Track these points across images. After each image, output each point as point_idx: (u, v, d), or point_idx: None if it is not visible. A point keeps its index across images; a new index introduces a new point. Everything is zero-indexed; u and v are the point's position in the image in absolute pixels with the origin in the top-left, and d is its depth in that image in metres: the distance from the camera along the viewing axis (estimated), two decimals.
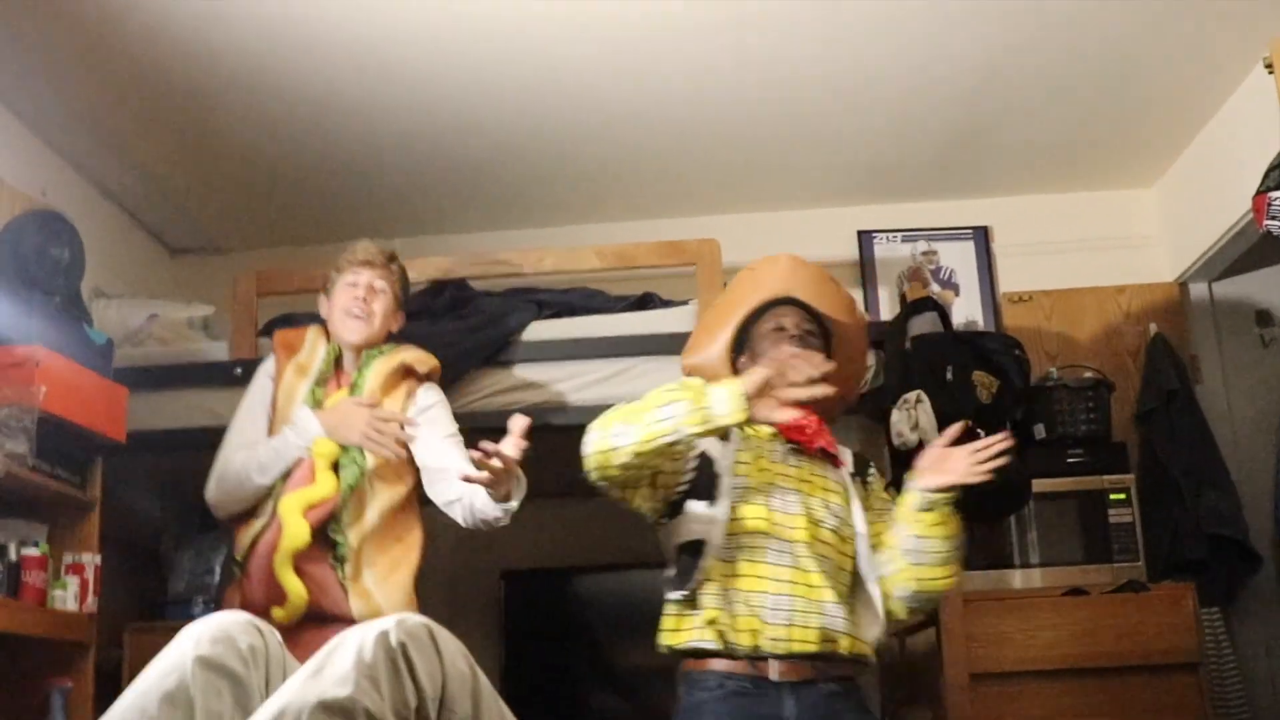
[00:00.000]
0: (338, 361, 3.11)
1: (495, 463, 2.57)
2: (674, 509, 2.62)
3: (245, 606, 2.70)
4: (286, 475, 2.95)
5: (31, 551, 3.04)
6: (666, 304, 3.79)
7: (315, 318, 3.74)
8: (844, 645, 2.52)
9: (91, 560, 3.23)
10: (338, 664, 1.53)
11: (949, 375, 3.47)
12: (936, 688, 3.57)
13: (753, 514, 2.57)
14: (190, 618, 3.88)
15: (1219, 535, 4.04)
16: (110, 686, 3.42)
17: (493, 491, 2.69)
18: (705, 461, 2.63)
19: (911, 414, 3.33)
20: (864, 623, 2.58)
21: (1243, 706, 4.04)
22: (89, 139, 4.04)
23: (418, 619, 1.62)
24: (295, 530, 2.86)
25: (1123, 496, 3.99)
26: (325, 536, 2.90)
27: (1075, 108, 4.15)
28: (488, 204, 4.66)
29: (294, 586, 2.84)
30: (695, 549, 2.54)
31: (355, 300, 3.06)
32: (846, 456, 2.77)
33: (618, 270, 3.90)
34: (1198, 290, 4.64)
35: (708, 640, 2.50)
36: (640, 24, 3.56)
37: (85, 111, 3.87)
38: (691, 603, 2.54)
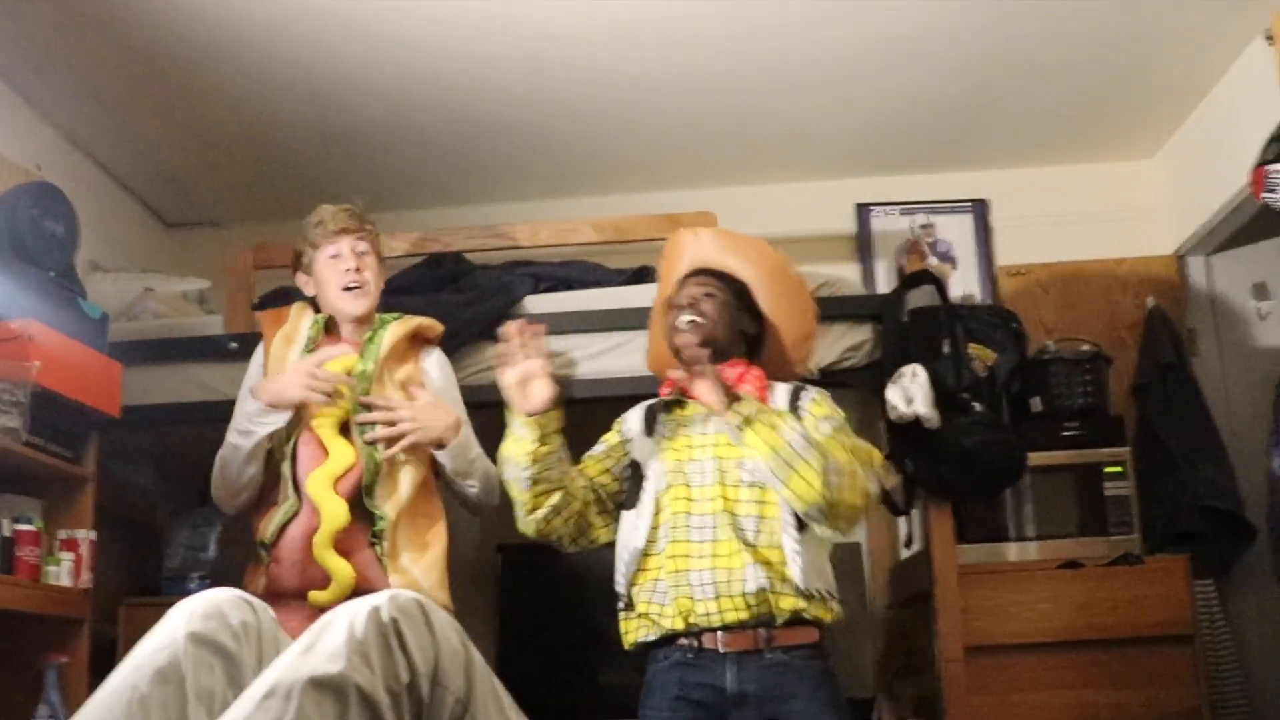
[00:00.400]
0: (327, 328, 3.06)
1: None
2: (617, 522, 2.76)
3: (273, 592, 2.80)
4: (294, 455, 2.90)
5: (26, 527, 3.04)
6: None
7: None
8: (781, 605, 2.53)
9: (86, 536, 3.24)
10: (329, 640, 1.52)
11: (945, 348, 3.46)
12: (931, 660, 3.58)
13: (674, 496, 2.64)
14: (185, 593, 3.88)
15: (1214, 508, 4.05)
16: (105, 662, 3.41)
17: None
18: (634, 468, 2.75)
19: (908, 387, 3.33)
20: (809, 572, 2.55)
21: (1237, 677, 4.06)
22: (83, 112, 4.02)
23: (410, 595, 1.61)
24: (334, 511, 2.81)
25: (1119, 469, 3.99)
26: (363, 512, 2.84)
27: (1074, 80, 4.13)
28: (483, 176, 4.64)
29: (340, 568, 2.79)
30: (625, 554, 2.67)
31: (348, 274, 2.99)
32: (780, 396, 2.74)
33: (614, 243, 3.88)
34: (1195, 263, 4.64)
35: (647, 634, 2.62)
36: None
37: (80, 84, 3.85)
38: (630, 604, 2.67)
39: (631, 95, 4.14)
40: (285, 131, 4.27)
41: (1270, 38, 2.88)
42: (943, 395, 3.37)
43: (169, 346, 3.65)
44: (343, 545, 2.80)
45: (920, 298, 3.59)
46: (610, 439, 2.85)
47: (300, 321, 3.06)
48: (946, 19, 3.73)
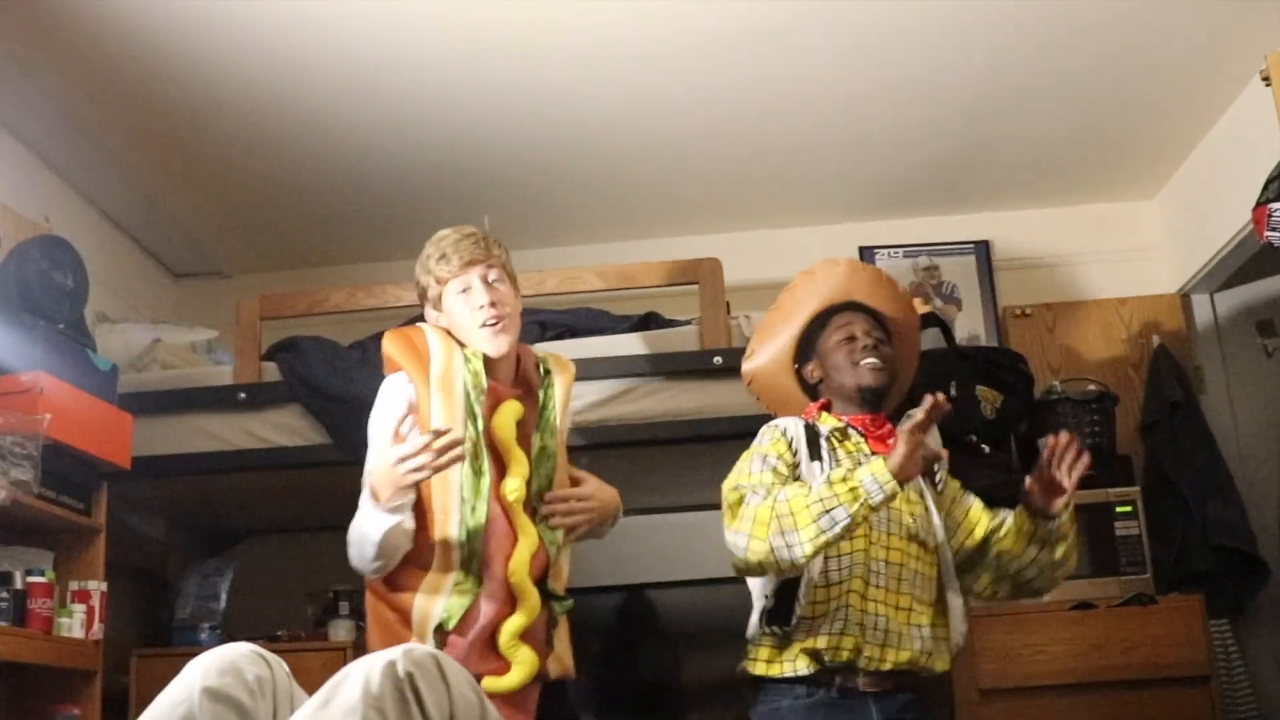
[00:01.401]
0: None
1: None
2: None
3: None
4: (468, 534, 2.51)
5: (38, 579, 3.04)
6: (670, 323, 3.79)
7: (316, 341, 3.75)
8: (929, 663, 2.58)
9: (97, 587, 3.24)
10: (345, 695, 1.53)
11: (953, 391, 3.47)
12: (948, 703, 3.56)
13: (858, 534, 2.54)
14: (197, 643, 3.92)
15: (1226, 546, 4.04)
16: (117, 713, 3.44)
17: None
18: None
19: None
20: (950, 633, 2.62)
21: (1255, 718, 4.03)
22: (92, 164, 4.05)
23: (425, 649, 1.61)
24: (535, 602, 2.53)
25: (1129, 509, 3.98)
26: (544, 594, 2.57)
27: (1074, 122, 4.16)
28: (491, 224, 4.65)
29: (528, 659, 2.51)
30: (794, 582, 2.56)
31: (483, 310, 2.61)
32: None
33: (620, 290, 3.90)
34: (1200, 301, 4.64)
35: (803, 669, 2.54)
36: (640, 44, 3.57)
37: (88, 137, 3.88)
38: (788, 635, 2.56)
39: (636, 143, 4.17)
40: (292, 182, 4.30)
41: (1267, 78, 2.90)
42: (951, 438, 3.36)
43: (178, 397, 3.67)
44: (526, 633, 2.54)
45: (926, 340, 3.59)
46: (782, 453, 2.65)
47: (452, 359, 2.61)
48: (948, 63, 3.76)
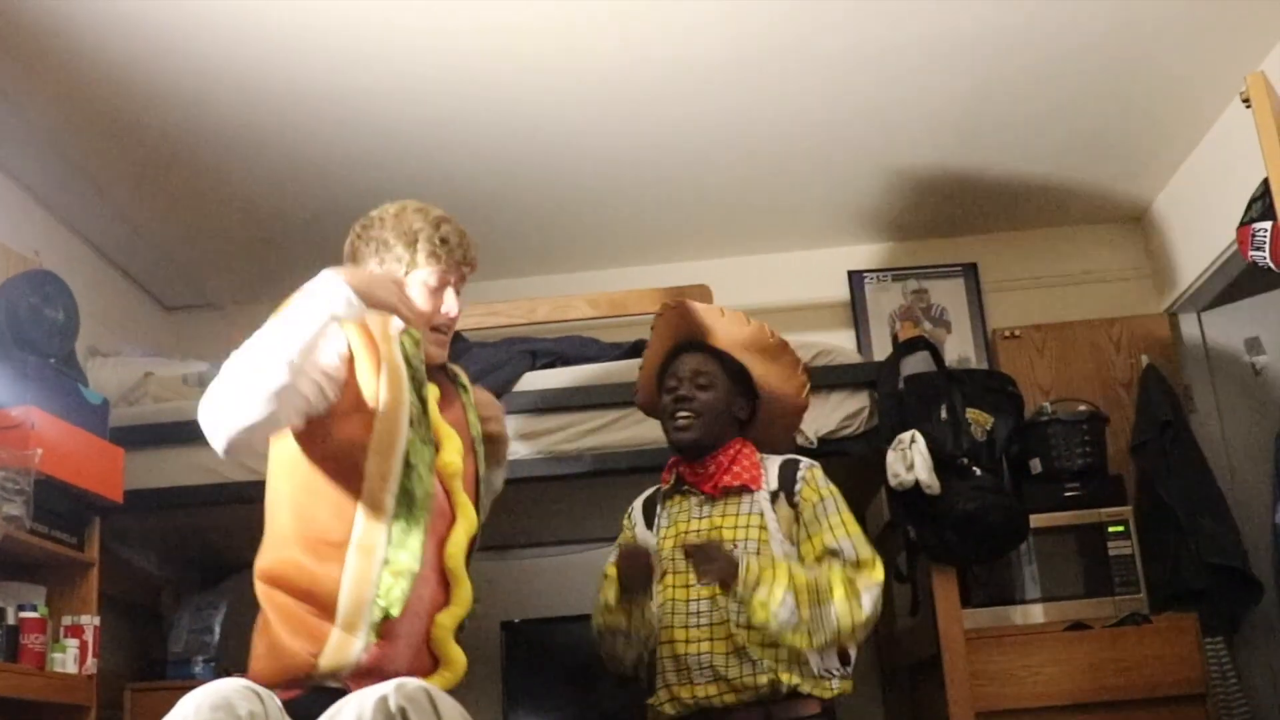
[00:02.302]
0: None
1: None
2: None
3: (366, 672, 2.14)
4: (410, 504, 2.21)
5: (31, 614, 3.04)
6: None
7: None
8: (786, 682, 2.58)
9: (90, 622, 3.23)
10: None
11: (943, 414, 3.48)
12: None
13: (673, 583, 2.70)
14: (190, 677, 3.91)
15: (1219, 564, 4.04)
16: None
17: None
18: None
19: (907, 454, 3.34)
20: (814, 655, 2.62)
21: None
22: (81, 198, 4.06)
23: (416, 683, 1.61)
24: (466, 597, 2.30)
25: (1121, 529, 3.99)
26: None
27: (1059, 144, 4.19)
28: (480, 254, 4.66)
29: (459, 659, 2.27)
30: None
31: (444, 318, 2.47)
32: (770, 474, 2.78)
33: (610, 317, 3.91)
34: (1188, 321, 4.66)
35: (666, 714, 2.68)
36: (628, 72, 3.60)
37: (77, 171, 3.89)
38: (651, 687, 2.74)
39: (624, 171, 4.19)
40: (283, 214, 4.31)
41: (1247, 100, 2.92)
42: (942, 461, 3.38)
43: (170, 430, 3.65)
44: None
45: (916, 364, 3.61)
46: (625, 539, 2.92)
47: (389, 322, 2.35)
48: (934, 88, 3.78)
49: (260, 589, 2.23)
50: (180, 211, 4.26)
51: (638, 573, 2.65)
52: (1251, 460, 4.42)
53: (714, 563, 2.53)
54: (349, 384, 2.23)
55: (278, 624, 2.17)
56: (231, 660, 4.05)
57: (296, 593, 2.16)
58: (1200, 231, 4.25)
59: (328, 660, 2.13)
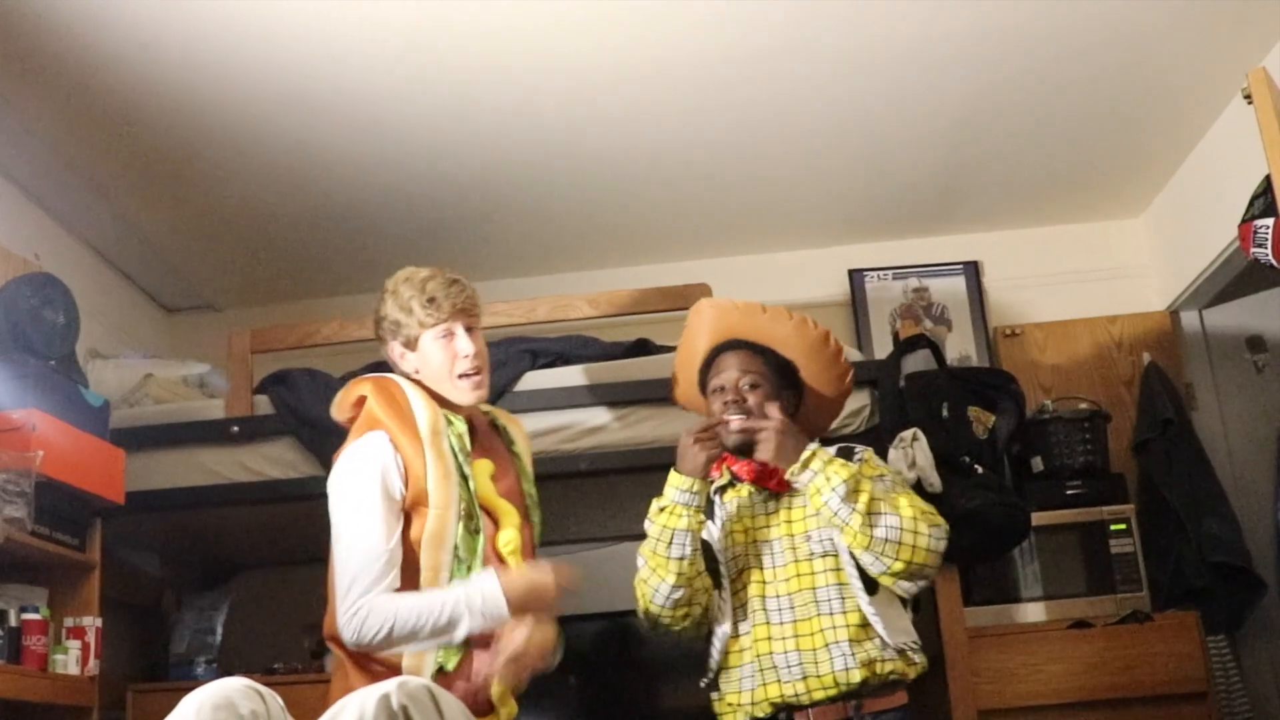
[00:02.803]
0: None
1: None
2: None
3: None
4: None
5: (32, 616, 3.04)
6: (661, 349, 3.80)
7: (308, 373, 3.75)
8: (871, 674, 2.58)
9: (92, 623, 3.23)
10: None
11: (944, 412, 3.47)
12: None
13: (750, 580, 2.70)
14: (193, 678, 3.91)
15: (1221, 562, 4.04)
16: None
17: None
18: (708, 551, 2.75)
19: (909, 452, 3.34)
20: (890, 630, 2.62)
21: None
22: (81, 200, 4.06)
23: (419, 681, 1.61)
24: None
25: (1123, 527, 3.99)
26: None
27: (1060, 142, 4.19)
28: (478, 255, 4.67)
29: (511, 708, 2.61)
30: (709, 638, 2.73)
31: (466, 360, 2.64)
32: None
33: (611, 317, 3.91)
34: (1189, 318, 4.66)
35: (749, 715, 2.64)
36: (625, 70, 3.59)
37: (77, 173, 3.89)
38: (718, 689, 2.71)
39: (624, 170, 4.18)
40: (282, 216, 4.31)
41: (1248, 96, 2.92)
42: (944, 459, 3.37)
43: (171, 431, 3.66)
44: None
45: (917, 362, 3.61)
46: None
47: (438, 419, 2.60)
48: (934, 86, 3.78)
49: (333, 647, 2.58)
50: (180, 214, 4.26)
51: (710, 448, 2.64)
52: (1253, 458, 4.42)
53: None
54: (408, 487, 2.52)
55: (354, 673, 2.50)
56: (234, 661, 4.05)
57: (364, 657, 2.50)
58: (1202, 228, 4.25)
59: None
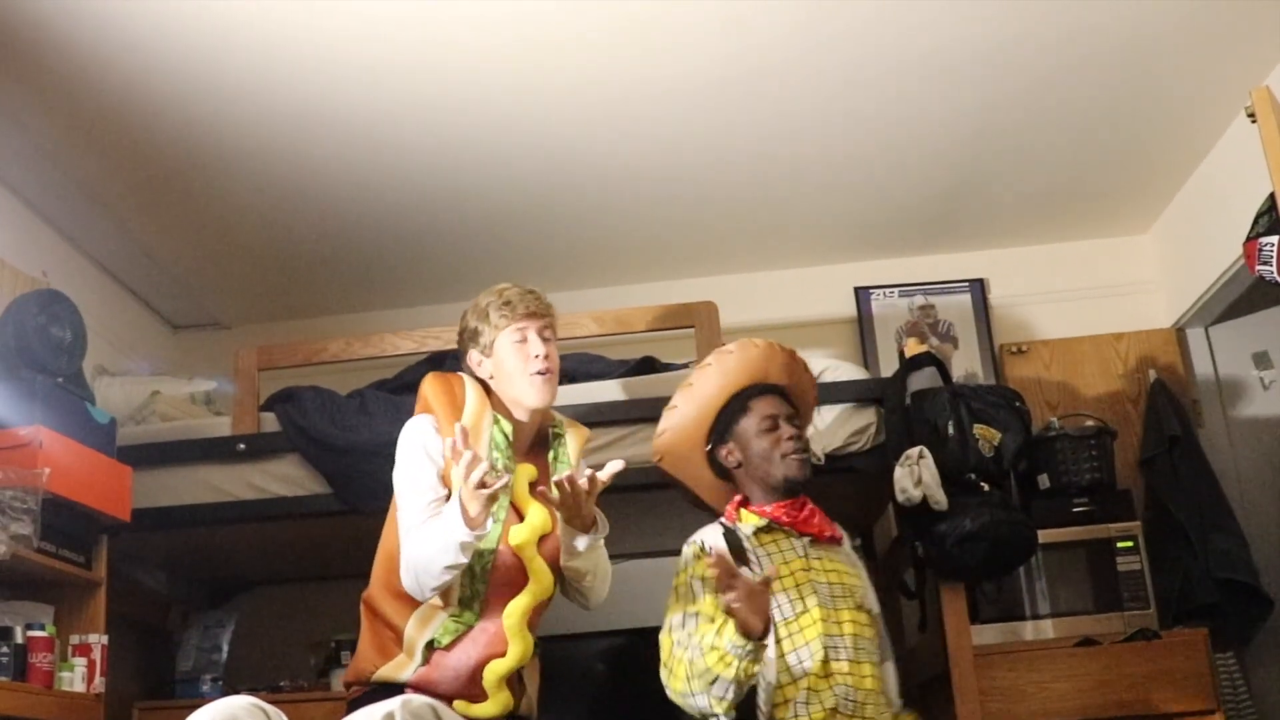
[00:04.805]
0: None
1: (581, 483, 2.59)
2: None
3: (414, 689, 2.60)
4: (488, 568, 2.69)
5: (39, 633, 3.04)
6: (667, 367, 3.80)
7: (315, 391, 3.76)
8: None
9: (99, 640, 3.23)
10: None
11: (950, 430, 3.46)
12: None
13: (810, 620, 2.67)
14: (199, 695, 3.91)
15: (1229, 579, 4.03)
16: None
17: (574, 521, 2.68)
18: None
19: (914, 470, 3.33)
20: (892, 695, 2.75)
21: None
22: (89, 218, 4.07)
23: (422, 699, 1.62)
24: (523, 650, 2.71)
25: (1130, 544, 3.98)
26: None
27: (1065, 159, 4.19)
28: (485, 272, 4.65)
29: (504, 700, 2.70)
30: (761, 687, 2.64)
31: (538, 360, 2.76)
32: (837, 525, 2.90)
33: (616, 335, 3.91)
34: (1195, 335, 4.66)
35: None
36: (632, 89, 3.61)
37: (84, 190, 3.91)
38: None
39: (630, 189, 4.20)
40: (290, 234, 4.33)
41: (1252, 114, 2.93)
42: (950, 477, 3.37)
43: (177, 449, 3.67)
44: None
45: (922, 380, 3.60)
46: (710, 573, 2.72)
47: (482, 416, 2.75)
48: (940, 103, 3.79)
49: (362, 608, 2.79)
50: (188, 231, 4.28)
51: (761, 609, 2.46)
52: (1260, 474, 4.41)
53: None
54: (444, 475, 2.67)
55: (365, 637, 2.77)
56: (239, 678, 4.05)
57: (381, 620, 2.72)
58: (1207, 246, 4.25)
59: (384, 673, 2.66)
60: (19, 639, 2.99)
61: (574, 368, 3.76)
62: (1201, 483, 4.25)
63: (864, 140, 3.99)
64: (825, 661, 2.63)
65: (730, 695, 2.48)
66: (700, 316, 3.72)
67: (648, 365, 3.83)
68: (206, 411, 4.14)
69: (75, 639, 3.20)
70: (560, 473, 2.76)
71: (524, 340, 2.77)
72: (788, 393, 2.91)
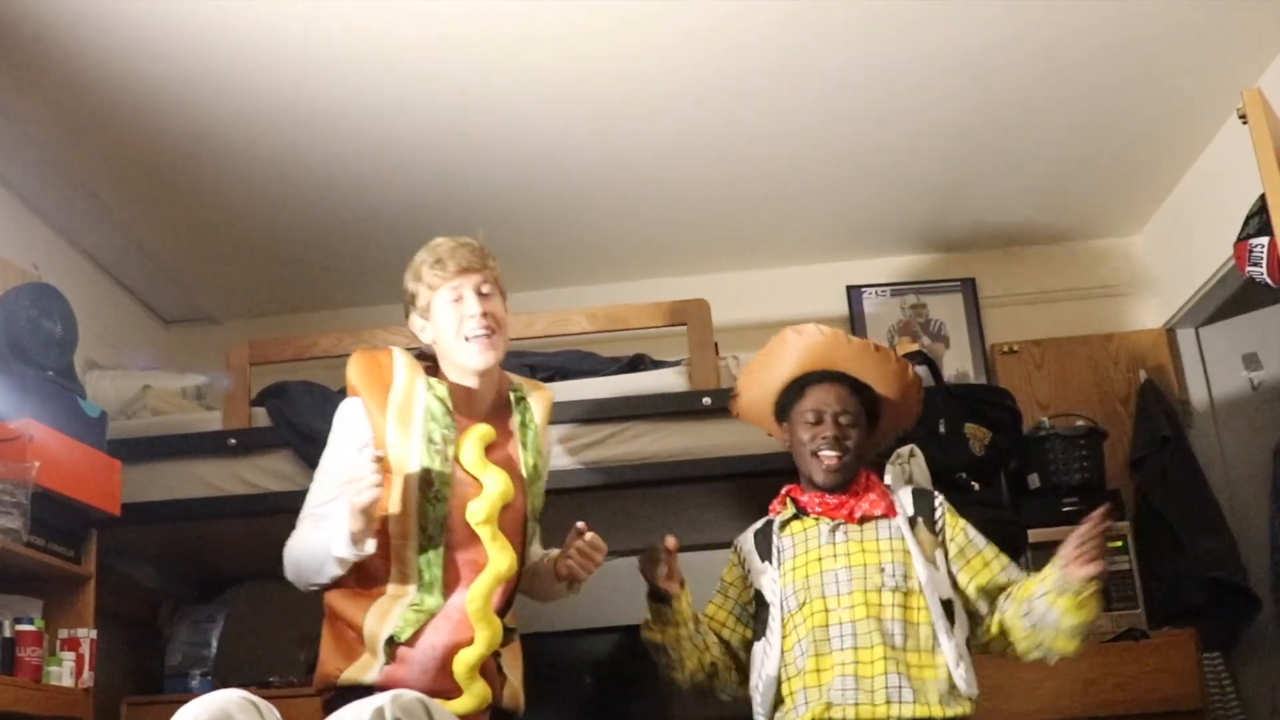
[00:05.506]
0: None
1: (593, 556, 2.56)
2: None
3: (382, 687, 2.41)
4: (449, 545, 2.52)
5: (27, 627, 3.03)
6: (659, 364, 3.80)
7: (305, 386, 3.75)
8: (925, 710, 2.53)
9: (87, 635, 3.22)
10: None
11: (941, 428, 3.49)
12: None
13: (811, 612, 2.64)
14: (188, 690, 3.90)
15: (1217, 579, 4.04)
16: None
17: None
18: (760, 601, 2.76)
19: (905, 468, 3.34)
20: (970, 676, 2.61)
21: None
22: (81, 211, 4.06)
23: (412, 694, 1.61)
24: (493, 635, 2.50)
25: (1119, 544, 3.98)
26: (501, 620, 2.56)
27: (1057, 160, 4.20)
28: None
29: (481, 691, 2.49)
30: (760, 684, 2.69)
31: (474, 320, 2.58)
32: (904, 501, 2.78)
33: (609, 332, 3.91)
34: (1185, 336, 4.67)
35: None
36: (626, 88, 3.61)
37: (76, 184, 3.90)
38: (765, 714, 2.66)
39: (624, 186, 4.20)
40: (282, 228, 4.32)
41: (1243, 116, 2.94)
42: (940, 475, 3.38)
43: (168, 443, 3.66)
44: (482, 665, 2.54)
45: None
46: (733, 579, 2.86)
47: (414, 388, 2.58)
48: (932, 104, 3.80)
49: (325, 609, 2.59)
50: (180, 225, 4.27)
51: (652, 572, 2.69)
52: (1249, 475, 4.42)
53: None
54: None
55: (326, 639, 2.57)
56: (229, 673, 4.04)
57: (341, 620, 2.53)
58: (1198, 247, 4.26)
59: (349, 675, 2.48)
60: (7, 633, 2.98)
61: (566, 364, 3.77)
62: (1191, 483, 4.26)
63: (856, 140, 3.99)
64: (818, 655, 2.60)
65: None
66: (692, 314, 3.72)
67: (639, 363, 3.83)
68: (197, 406, 4.13)
69: (64, 633, 3.19)
70: (530, 439, 2.66)
71: (459, 299, 2.60)
72: (861, 387, 2.80)
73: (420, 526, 2.49)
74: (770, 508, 2.85)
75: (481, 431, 2.57)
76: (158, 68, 3.33)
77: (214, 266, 4.60)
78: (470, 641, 2.47)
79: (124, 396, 3.96)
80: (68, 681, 3.12)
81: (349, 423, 2.59)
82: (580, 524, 2.58)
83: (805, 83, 3.64)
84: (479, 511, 2.51)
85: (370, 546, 2.39)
